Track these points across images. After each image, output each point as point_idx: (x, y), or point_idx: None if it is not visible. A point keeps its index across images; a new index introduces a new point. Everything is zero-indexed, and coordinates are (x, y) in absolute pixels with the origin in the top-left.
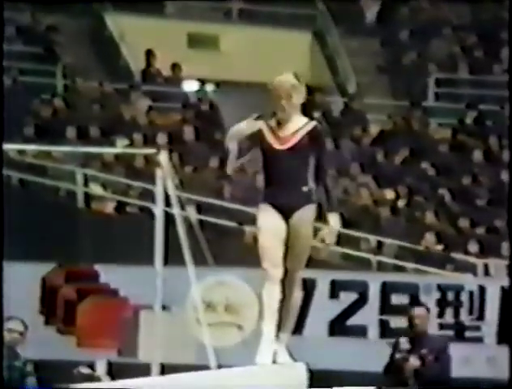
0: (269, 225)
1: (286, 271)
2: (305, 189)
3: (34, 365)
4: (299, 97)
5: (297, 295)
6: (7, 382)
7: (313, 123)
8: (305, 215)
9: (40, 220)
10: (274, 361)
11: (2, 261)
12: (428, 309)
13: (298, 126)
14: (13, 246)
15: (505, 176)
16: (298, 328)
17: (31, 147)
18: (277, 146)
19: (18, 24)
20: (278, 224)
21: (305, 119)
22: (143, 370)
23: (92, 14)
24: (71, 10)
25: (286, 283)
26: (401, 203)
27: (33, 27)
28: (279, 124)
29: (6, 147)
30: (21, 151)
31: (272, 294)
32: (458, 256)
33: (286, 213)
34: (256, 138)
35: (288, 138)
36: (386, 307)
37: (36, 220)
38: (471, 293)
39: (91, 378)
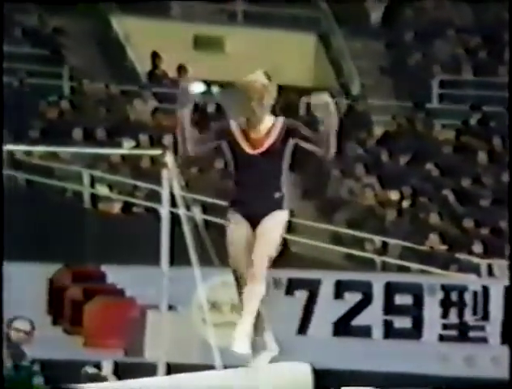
0: (238, 236)
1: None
2: (277, 195)
3: (41, 365)
4: (270, 98)
5: (258, 290)
6: (14, 381)
7: (281, 119)
8: (274, 220)
9: (46, 220)
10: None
11: (2, 262)
12: None
13: (268, 126)
14: (20, 247)
15: (507, 177)
16: (303, 328)
17: (37, 149)
18: (250, 150)
19: (25, 26)
20: (246, 235)
21: (272, 118)
22: (150, 370)
23: (98, 17)
24: (78, 13)
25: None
26: (405, 204)
27: (40, 30)
28: (249, 126)
29: (14, 148)
30: (28, 153)
31: (258, 292)
32: (462, 256)
33: (255, 220)
34: (223, 135)
35: (261, 140)
36: (390, 307)
37: (42, 220)
38: (475, 293)
39: (98, 378)
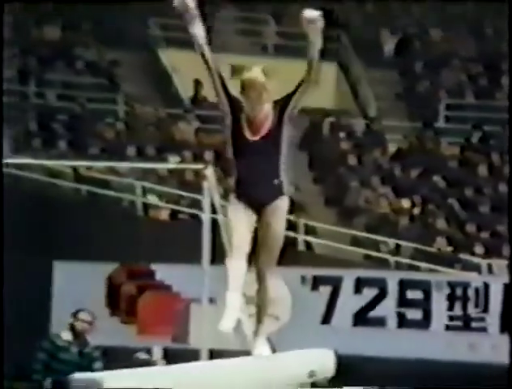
0: (239, 217)
1: (259, 269)
2: (276, 182)
3: (102, 352)
4: (268, 96)
5: (272, 288)
6: (78, 366)
7: (270, 103)
8: (277, 207)
9: (105, 226)
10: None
11: (3, 258)
12: None
13: (266, 113)
14: (83, 249)
15: (505, 188)
16: (327, 319)
17: (97, 164)
18: (250, 137)
19: (86, 60)
20: (248, 216)
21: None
22: (194, 355)
23: (148, 50)
24: (130, 47)
25: (259, 281)
26: (416, 211)
27: (98, 62)
28: (249, 119)
29: (78, 164)
30: (89, 168)
31: (237, 266)
32: (465, 257)
33: (257, 208)
34: (235, 104)
35: (260, 124)
36: (402, 301)
37: (102, 226)
38: (476, 289)
39: (149, 363)
